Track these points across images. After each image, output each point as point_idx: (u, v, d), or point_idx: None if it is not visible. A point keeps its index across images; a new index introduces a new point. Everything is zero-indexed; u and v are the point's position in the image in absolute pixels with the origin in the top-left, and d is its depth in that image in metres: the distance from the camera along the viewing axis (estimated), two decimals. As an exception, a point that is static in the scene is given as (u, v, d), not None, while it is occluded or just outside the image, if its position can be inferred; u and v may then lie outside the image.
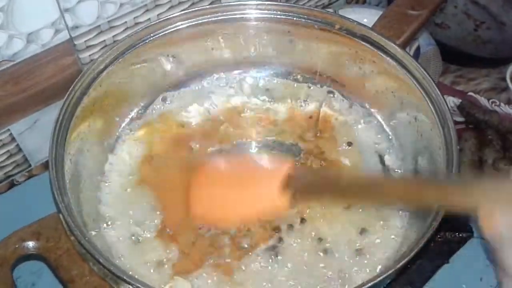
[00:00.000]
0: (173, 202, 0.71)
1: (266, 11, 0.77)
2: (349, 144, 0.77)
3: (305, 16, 0.76)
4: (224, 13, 0.77)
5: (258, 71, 0.83)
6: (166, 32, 0.75)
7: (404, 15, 0.78)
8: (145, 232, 0.68)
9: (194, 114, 0.80)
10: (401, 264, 0.55)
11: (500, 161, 0.82)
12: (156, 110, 0.79)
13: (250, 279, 0.65)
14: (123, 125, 0.77)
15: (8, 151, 0.80)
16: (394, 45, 0.72)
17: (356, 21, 0.75)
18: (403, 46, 0.76)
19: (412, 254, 0.55)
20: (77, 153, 0.68)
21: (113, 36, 0.78)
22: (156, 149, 0.76)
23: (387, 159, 0.75)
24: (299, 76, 0.82)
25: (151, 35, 0.74)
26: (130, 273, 0.58)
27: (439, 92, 0.68)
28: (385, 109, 0.77)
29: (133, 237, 0.67)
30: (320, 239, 0.67)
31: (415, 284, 0.71)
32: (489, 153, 0.83)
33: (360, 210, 0.69)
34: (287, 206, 0.67)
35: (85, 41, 0.76)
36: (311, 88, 0.81)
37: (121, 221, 0.69)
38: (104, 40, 0.78)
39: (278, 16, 0.77)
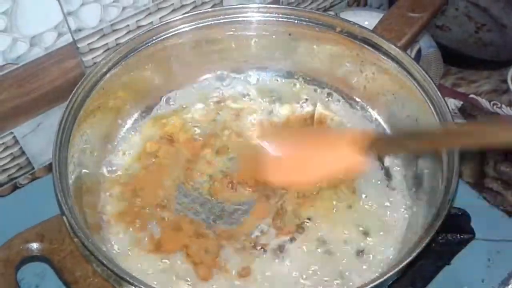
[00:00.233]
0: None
1: (267, 14, 0.77)
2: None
3: (306, 19, 0.76)
4: (226, 16, 0.77)
5: (260, 73, 0.83)
6: (168, 35, 0.75)
7: (405, 18, 0.78)
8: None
9: (197, 115, 0.80)
10: (402, 265, 0.55)
11: (501, 163, 0.82)
12: (160, 111, 0.80)
13: (252, 279, 0.65)
14: (126, 127, 0.78)
15: (11, 153, 0.80)
16: (395, 48, 0.72)
17: (357, 24, 0.75)
18: (404, 48, 0.76)
19: (414, 255, 0.55)
20: (80, 155, 0.68)
21: (116, 39, 0.79)
22: (159, 150, 0.76)
23: (387, 160, 0.75)
24: (300, 79, 0.82)
25: (154, 38, 0.74)
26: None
27: (440, 94, 0.68)
28: (386, 111, 0.78)
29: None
30: (322, 240, 0.68)
31: (417, 285, 0.71)
32: (491, 156, 0.83)
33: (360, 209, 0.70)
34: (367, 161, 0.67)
35: (88, 44, 0.76)
36: (312, 90, 0.82)
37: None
38: (107, 43, 0.78)
39: (280, 19, 0.77)
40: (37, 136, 0.80)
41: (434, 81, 0.69)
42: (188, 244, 0.67)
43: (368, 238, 0.68)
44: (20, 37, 0.69)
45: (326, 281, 0.65)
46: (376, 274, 0.63)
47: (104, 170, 0.73)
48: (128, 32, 0.79)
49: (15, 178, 0.84)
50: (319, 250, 0.67)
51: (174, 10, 0.82)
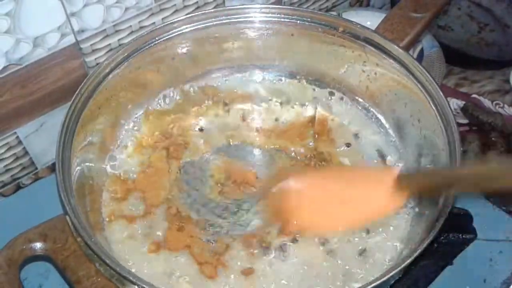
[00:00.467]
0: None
1: (270, 14, 0.78)
2: (348, 145, 0.78)
3: (309, 19, 0.77)
4: (228, 17, 0.77)
5: (262, 73, 0.83)
6: (171, 35, 0.75)
7: (407, 18, 0.79)
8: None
9: (200, 115, 0.81)
10: (404, 264, 0.55)
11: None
12: (162, 111, 0.80)
13: (255, 278, 0.65)
14: (129, 126, 0.78)
15: (14, 154, 0.81)
16: (397, 48, 0.73)
17: (360, 24, 0.75)
18: (407, 48, 0.76)
19: (416, 254, 0.55)
20: (83, 155, 0.68)
21: (119, 40, 0.79)
22: (162, 150, 0.76)
23: (389, 160, 0.75)
24: (302, 79, 0.82)
25: (156, 38, 0.74)
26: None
27: (442, 94, 0.68)
28: (388, 111, 0.78)
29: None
30: (324, 239, 0.68)
31: (419, 285, 0.71)
32: (493, 155, 0.83)
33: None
34: (402, 202, 0.65)
35: (91, 44, 0.77)
36: (315, 90, 0.82)
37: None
38: (110, 44, 0.79)
39: (282, 19, 0.78)
40: (40, 136, 0.81)
41: (436, 81, 0.69)
42: (191, 244, 0.68)
43: (370, 238, 0.68)
44: (23, 38, 0.70)
45: (329, 280, 0.65)
46: (379, 274, 0.63)
47: (107, 170, 0.74)
48: (130, 33, 0.80)
49: (18, 178, 0.84)
50: (321, 249, 0.67)
51: (176, 11, 0.82)
